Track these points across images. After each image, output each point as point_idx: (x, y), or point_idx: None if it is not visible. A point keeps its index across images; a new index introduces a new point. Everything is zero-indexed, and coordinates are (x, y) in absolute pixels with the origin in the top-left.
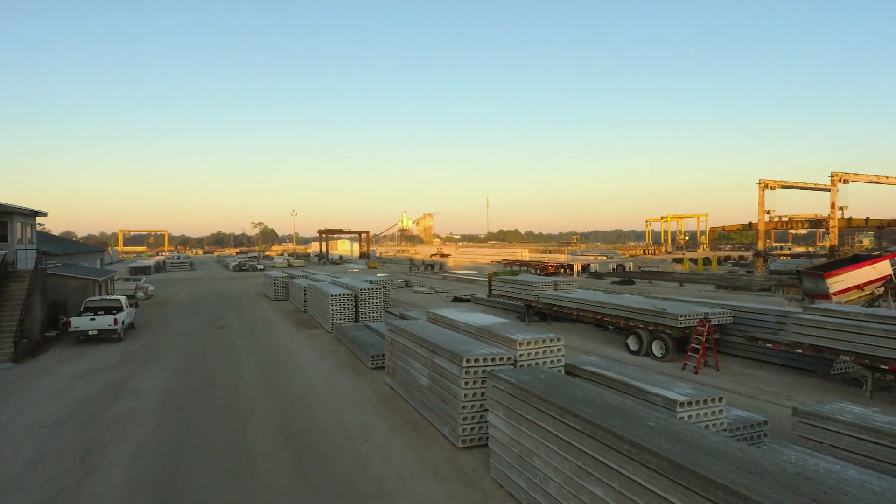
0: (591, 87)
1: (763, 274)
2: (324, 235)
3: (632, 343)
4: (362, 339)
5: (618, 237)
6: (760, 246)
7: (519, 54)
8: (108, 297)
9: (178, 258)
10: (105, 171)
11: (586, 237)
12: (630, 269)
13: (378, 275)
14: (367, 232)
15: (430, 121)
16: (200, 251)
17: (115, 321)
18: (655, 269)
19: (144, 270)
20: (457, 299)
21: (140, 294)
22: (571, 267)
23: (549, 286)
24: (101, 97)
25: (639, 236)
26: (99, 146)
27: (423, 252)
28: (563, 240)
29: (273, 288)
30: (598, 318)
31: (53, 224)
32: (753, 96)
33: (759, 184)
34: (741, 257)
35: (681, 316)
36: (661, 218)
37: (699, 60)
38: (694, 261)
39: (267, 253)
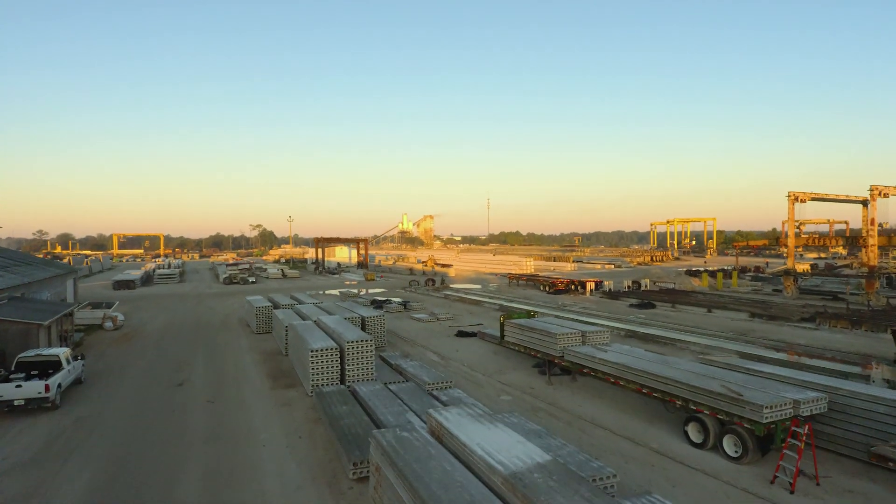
0: (591, 88)
1: (793, 294)
2: (320, 244)
3: (693, 433)
4: (346, 424)
5: (619, 239)
6: (790, 263)
7: (519, 55)
8: (45, 350)
9: (169, 267)
10: (105, 172)
11: (588, 238)
12: (647, 286)
13: (375, 290)
14: (365, 241)
15: (431, 123)
16: (196, 255)
17: (47, 388)
18: (673, 287)
19: (129, 284)
20: (461, 334)
21: (108, 324)
22: (583, 284)
23: (576, 338)
24: (100, 98)
25: (641, 238)
26: (99, 148)
27: (423, 257)
28: (564, 241)
29: (255, 318)
30: (644, 391)
31: (51, 226)
32: (760, 99)
33: (789, 196)
34: (758, 268)
35: (766, 408)
36: (668, 221)
37: (704, 61)
38: (712, 273)
39: (264, 258)
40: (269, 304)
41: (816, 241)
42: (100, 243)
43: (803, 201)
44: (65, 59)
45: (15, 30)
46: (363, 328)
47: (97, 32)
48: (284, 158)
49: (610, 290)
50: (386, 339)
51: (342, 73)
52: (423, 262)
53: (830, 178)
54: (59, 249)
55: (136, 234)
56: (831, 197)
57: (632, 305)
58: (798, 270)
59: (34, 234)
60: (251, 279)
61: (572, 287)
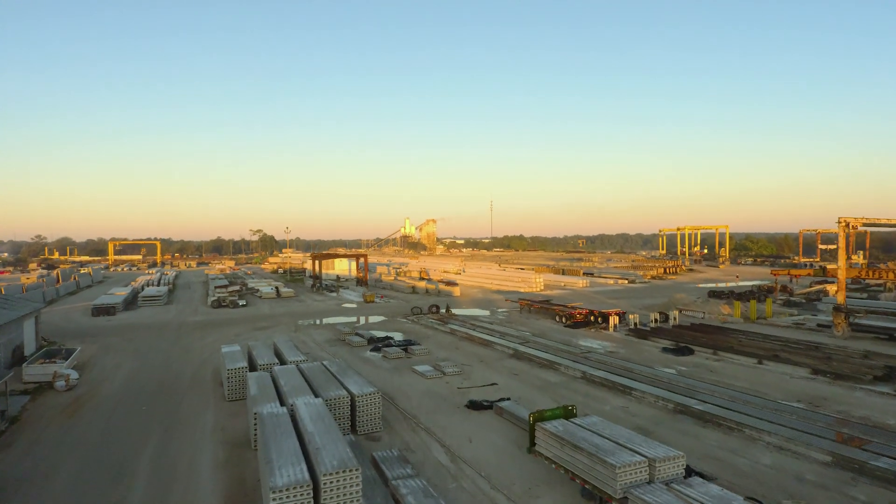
0: (595, 89)
1: (844, 334)
2: (317, 258)
3: None
4: None
5: (624, 242)
6: (841, 299)
7: (523, 55)
8: None
9: (158, 283)
10: (107, 174)
11: (592, 241)
12: (675, 318)
13: (374, 318)
14: (365, 256)
15: (434, 124)
16: (194, 262)
17: None
18: (703, 317)
19: (109, 311)
20: (473, 405)
21: (60, 384)
22: (605, 316)
23: (641, 469)
24: (102, 100)
25: (646, 241)
26: (102, 150)
27: (429, 265)
28: (568, 244)
29: (227, 381)
30: None
31: (50, 231)
32: (765, 99)
33: (840, 222)
34: (785, 287)
35: None
36: (678, 228)
37: (707, 61)
38: (740, 297)
39: (263, 265)
40: (245, 364)
41: (872, 274)
42: (100, 247)
43: (855, 228)
44: (67, 62)
45: (15, 30)
46: (353, 411)
47: (97, 34)
48: (287, 161)
49: (636, 325)
50: (380, 420)
51: (347, 75)
52: (424, 278)
53: (841, 179)
54: (56, 255)
55: (133, 241)
56: (883, 221)
57: (666, 350)
58: (831, 293)
59: (33, 238)
60: (241, 302)
61: (592, 318)
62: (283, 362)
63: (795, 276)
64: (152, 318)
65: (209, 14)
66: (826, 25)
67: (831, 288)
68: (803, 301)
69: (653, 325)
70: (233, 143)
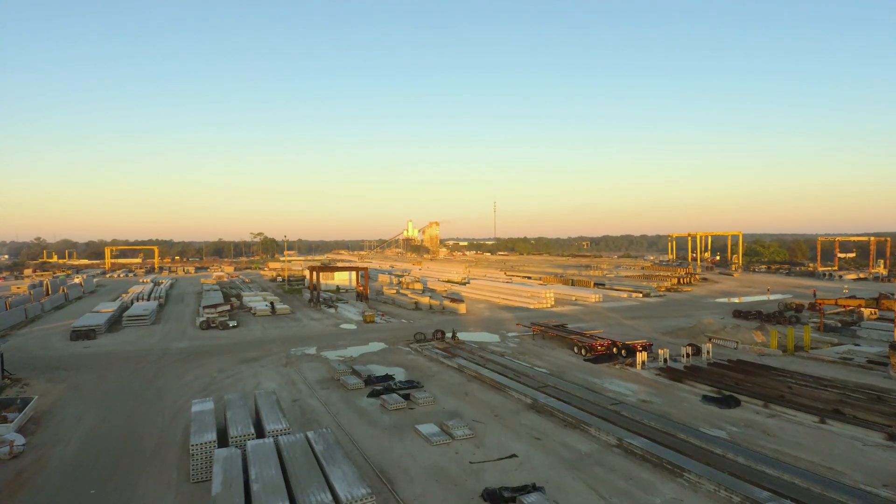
0: (601, 90)
1: None
2: (315, 271)
3: None
4: None
5: (629, 244)
6: None
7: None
8: None
9: (148, 298)
10: (110, 175)
11: (596, 243)
12: (709, 353)
13: (374, 344)
14: (366, 269)
15: (436, 126)
16: (192, 268)
17: None
18: (736, 347)
19: (88, 334)
20: (491, 498)
21: (3, 450)
22: (630, 349)
23: None
24: (103, 101)
25: (651, 243)
26: (103, 152)
27: (432, 272)
28: (572, 246)
29: (192, 459)
30: None
31: (51, 232)
32: (772, 99)
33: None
34: (813, 305)
35: None
36: (689, 234)
37: (705, 59)
38: (768, 317)
39: (262, 272)
40: (214, 436)
41: None
42: (100, 250)
43: None
44: (68, 62)
45: (15, 30)
46: None
47: (98, 34)
48: (289, 161)
49: (666, 362)
50: None
51: (352, 76)
52: (428, 291)
53: (842, 182)
54: (55, 258)
55: (133, 244)
56: None
57: (707, 400)
58: (867, 315)
59: (33, 240)
60: (232, 323)
61: (615, 351)
62: (260, 430)
63: (844, 306)
64: (134, 343)
65: (210, 14)
66: (832, 26)
67: (866, 310)
68: (839, 325)
69: (685, 360)
70: (235, 143)
